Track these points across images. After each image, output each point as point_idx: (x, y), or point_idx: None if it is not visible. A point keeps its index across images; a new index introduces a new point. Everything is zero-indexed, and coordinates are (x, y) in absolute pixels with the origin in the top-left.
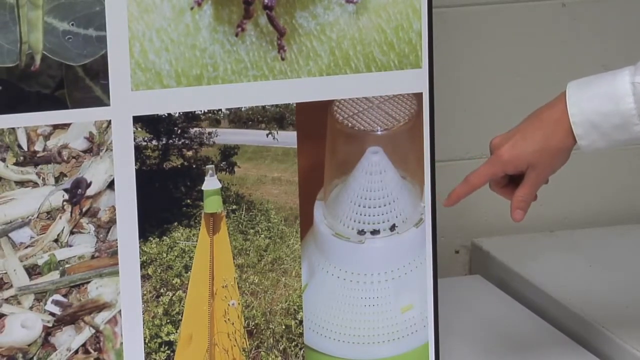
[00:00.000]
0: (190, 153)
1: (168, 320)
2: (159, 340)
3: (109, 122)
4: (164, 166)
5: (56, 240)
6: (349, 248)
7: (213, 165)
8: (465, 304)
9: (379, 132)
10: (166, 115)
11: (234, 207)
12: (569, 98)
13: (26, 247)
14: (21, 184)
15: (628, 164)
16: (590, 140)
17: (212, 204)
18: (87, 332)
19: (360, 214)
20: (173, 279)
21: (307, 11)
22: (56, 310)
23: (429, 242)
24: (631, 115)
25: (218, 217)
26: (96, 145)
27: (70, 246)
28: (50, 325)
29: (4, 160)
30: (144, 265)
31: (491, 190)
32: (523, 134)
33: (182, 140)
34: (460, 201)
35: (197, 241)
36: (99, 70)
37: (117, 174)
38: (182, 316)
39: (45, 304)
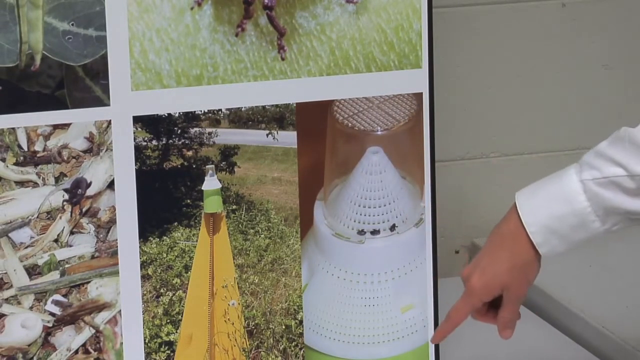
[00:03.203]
0: (190, 153)
1: (168, 320)
2: (159, 340)
3: (109, 122)
4: (164, 166)
5: (56, 240)
6: (349, 248)
7: (213, 165)
8: None
9: (379, 132)
10: (166, 115)
11: (234, 207)
12: (520, 208)
13: (26, 247)
14: (21, 184)
15: None
16: (551, 246)
17: (212, 204)
18: (87, 332)
19: (360, 214)
20: (173, 279)
21: (307, 11)
22: (56, 310)
23: (429, 242)
24: (587, 213)
25: (218, 217)
26: (96, 145)
27: (70, 246)
28: (50, 325)
29: (4, 160)
30: (144, 265)
31: (474, 319)
32: (489, 258)
33: (182, 140)
34: (444, 337)
35: (197, 241)
36: (99, 70)
37: (117, 174)
38: (182, 316)
39: (45, 304)
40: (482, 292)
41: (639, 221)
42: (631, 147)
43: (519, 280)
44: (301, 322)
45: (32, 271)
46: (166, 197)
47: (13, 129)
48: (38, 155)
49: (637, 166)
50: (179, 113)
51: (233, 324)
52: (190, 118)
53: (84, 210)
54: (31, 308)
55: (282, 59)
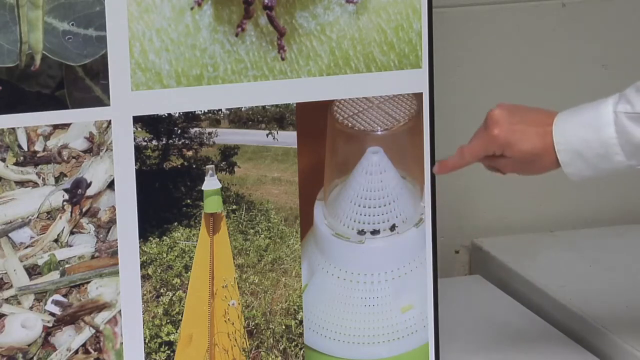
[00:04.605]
0: (190, 153)
1: (168, 320)
2: (159, 340)
3: (109, 122)
4: (164, 166)
5: (56, 240)
6: (349, 248)
7: (213, 165)
8: (465, 304)
9: (379, 132)
10: (166, 115)
11: (234, 207)
12: (556, 126)
13: (26, 247)
14: (21, 184)
15: None
16: (577, 169)
17: (212, 204)
18: (87, 332)
19: (360, 214)
20: (173, 279)
21: (307, 11)
22: (56, 310)
23: (429, 242)
24: (613, 144)
25: (218, 217)
26: (96, 145)
27: (70, 246)
28: (50, 325)
29: (4, 160)
30: (144, 265)
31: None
32: (525, 129)
33: (182, 140)
34: (450, 171)
35: (197, 241)
36: (99, 70)
37: (117, 174)
38: (182, 316)
39: (45, 304)
40: (501, 146)
41: None
42: None
43: (527, 167)
44: (301, 322)
45: (32, 271)
46: (166, 197)
47: (13, 129)
48: (38, 155)
49: None
50: (179, 113)
51: (233, 324)
52: (190, 118)
53: (84, 210)
54: (31, 308)
55: (282, 59)
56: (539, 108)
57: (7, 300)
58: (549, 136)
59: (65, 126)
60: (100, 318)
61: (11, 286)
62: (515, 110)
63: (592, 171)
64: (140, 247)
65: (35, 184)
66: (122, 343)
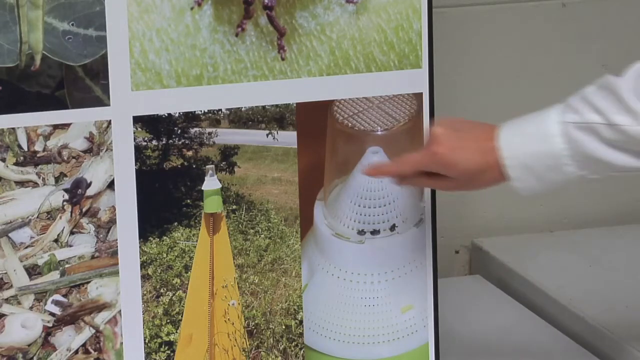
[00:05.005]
0: (190, 153)
1: (168, 320)
2: (159, 340)
3: (109, 122)
4: (164, 166)
5: (56, 240)
6: (349, 248)
7: (213, 165)
8: (465, 304)
9: (379, 132)
10: (166, 115)
11: (234, 207)
12: (501, 140)
13: (26, 247)
14: (21, 184)
15: None
16: (527, 183)
17: (212, 204)
18: (87, 332)
19: (360, 214)
20: (173, 279)
21: (307, 11)
22: (56, 310)
23: (429, 242)
24: (563, 156)
25: (218, 217)
26: (96, 145)
27: (70, 246)
28: (50, 325)
29: (4, 160)
30: (144, 265)
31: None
32: (466, 146)
33: (182, 140)
34: (380, 176)
35: (197, 241)
36: (99, 70)
37: (117, 174)
38: (182, 316)
39: (45, 304)
40: (439, 165)
41: (621, 174)
42: (612, 96)
43: (468, 184)
44: (301, 322)
45: (32, 271)
46: (166, 197)
47: (13, 129)
48: (38, 155)
49: (615, 115)
50: (179, 113)
51: (233, 324)
52: (190, 118)
53: (84, 210)
54: (31, 308)
55: (282, 59)
56: (482, 123)
57: (7, 300)
58: (492, 152)
59: (65, 126)
60: (100, 318)
61: (11, 286)
62: (457, 127)
63: (542, 185)
64: (140, 247)
65: (35, 184)
66: (122, 343)
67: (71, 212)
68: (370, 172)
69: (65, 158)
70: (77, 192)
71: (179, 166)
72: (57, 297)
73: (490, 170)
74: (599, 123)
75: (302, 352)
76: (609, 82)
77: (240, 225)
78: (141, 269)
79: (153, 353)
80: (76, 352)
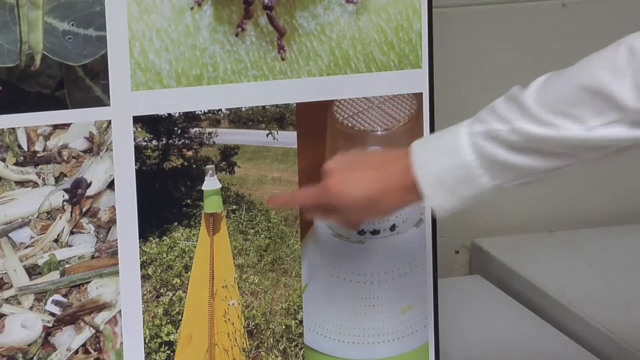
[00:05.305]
0: (190, 153)
1: (168, 320)
2: (159, 340)
3: (109, 122)
4: (164, 166)
5: (56, 240)
6: (349, 248)
7: (213, 165)
8: (465, 304)
9: (379, 132)
10: (166, 115)
11: (234, 207)
12: (414, 157)
13: (26, 247)
14: (21, 184)
15: (628, 164)
16: (440, 199)
17: (212, 204)
18: (87, 332)
19: None
20: (173, 279)
21: (307, 11)
22: (56, 310)
23: (429, 242)
24: (474, 166)
25: (218, 217)
26: (96, 145)
27: (70, 246)
28: (50, 325)
29: (4, 160)
30: (144, 265)
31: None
32: (359, 175)
33: (182, 140)
34: (278, 206)
35: (197, 241)
36: (99, 70)
37: (117, 174)
38: (182, 316)
39: (45, 304)
40: (332, 198)
41: (533, 179)
42: (516, 106)
43: (367, 213)
44: (301, 322)
45: (32, 271)
46: (166, 197)
47: (13, 129)
48: (38, 155)
49: (518, 122)
50: (179, 113)
51: (233, 324)
52: (190, 118)
53: (84, 210)
54: (31, 308)
55: (282, 59)
56: (385, 151)
57: (7, 300)
58: (393, 176)
59: (65, 126)
60: (100, 318)
61: (11, 286)
62: (352, 159)
63: (456, 200)
64: (140, 247)
65: (35, 184)
66: (122, 343)
67: (71, 212)
68: (270, 202)
69: (65, 158)
70: (77, 192)
71: (179, 166)
72: (57, 297)
73: (385, 195)
74: (503, 130)
75: (302, 352)
76: (515, 94)
77: (240, 225)
78: (141, 269)
79: (153, 353)
80: (76, 352)
